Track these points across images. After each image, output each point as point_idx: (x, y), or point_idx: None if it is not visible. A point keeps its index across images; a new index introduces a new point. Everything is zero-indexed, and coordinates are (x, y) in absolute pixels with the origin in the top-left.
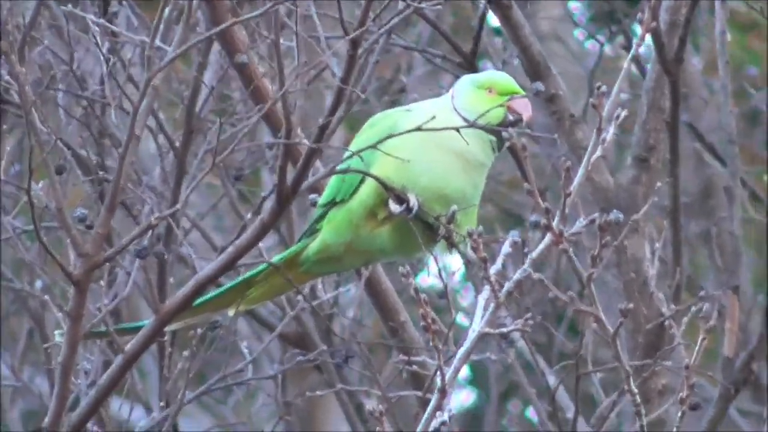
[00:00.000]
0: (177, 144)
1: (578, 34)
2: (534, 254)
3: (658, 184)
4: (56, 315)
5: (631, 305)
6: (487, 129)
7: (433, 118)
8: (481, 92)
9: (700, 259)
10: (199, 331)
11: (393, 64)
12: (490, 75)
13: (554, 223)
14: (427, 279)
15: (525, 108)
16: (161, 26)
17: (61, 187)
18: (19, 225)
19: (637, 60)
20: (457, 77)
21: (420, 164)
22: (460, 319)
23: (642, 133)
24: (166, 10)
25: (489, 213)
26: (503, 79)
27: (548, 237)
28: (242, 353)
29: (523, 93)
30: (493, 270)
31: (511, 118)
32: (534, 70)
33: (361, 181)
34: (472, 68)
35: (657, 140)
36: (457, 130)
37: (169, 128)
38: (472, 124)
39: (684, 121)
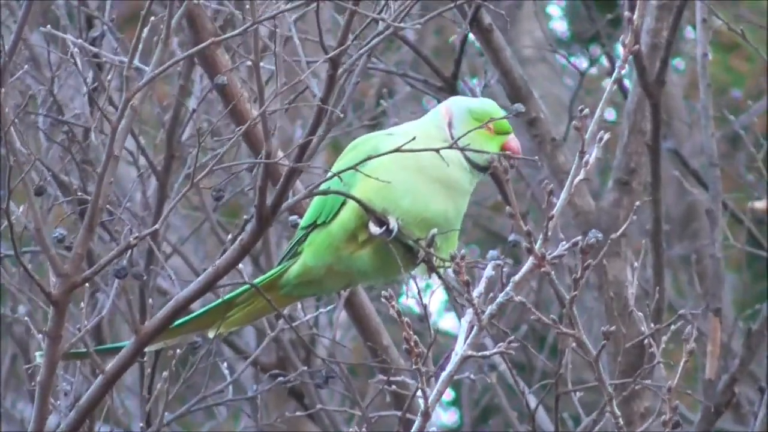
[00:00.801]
0: (158, 168)
1: (560, 56)
2: (517, 278)
3: (638, 203)
4: (39, 339)
5: (612, 328)
6: (471, 152)
7: (413, 139)
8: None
9: (682, 283)
10: (179, 351)
11: (374, 89)
12: (488, 108)
13: (536, 247)
14: (407, 301)
15: (518, 149)
16: (140, 47)
17: (41, 209)
18: (1, 250)
19: (618, 81)
20: (438, 101)
21: (401, 186)
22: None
23: (623, 156)
24: (145, 31)
25: (474, 236)
26: (499, 115)
27: (530, 260)
28: (223, 374)
29: (510, 129)
30: (475, 293)
31: (504, 162)
32: (515, 93)
33: (342, 204)
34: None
35: (638, 163)
36: (437, 151)
37: (151, 153)
38: (451, 146)
39: (667, 146)
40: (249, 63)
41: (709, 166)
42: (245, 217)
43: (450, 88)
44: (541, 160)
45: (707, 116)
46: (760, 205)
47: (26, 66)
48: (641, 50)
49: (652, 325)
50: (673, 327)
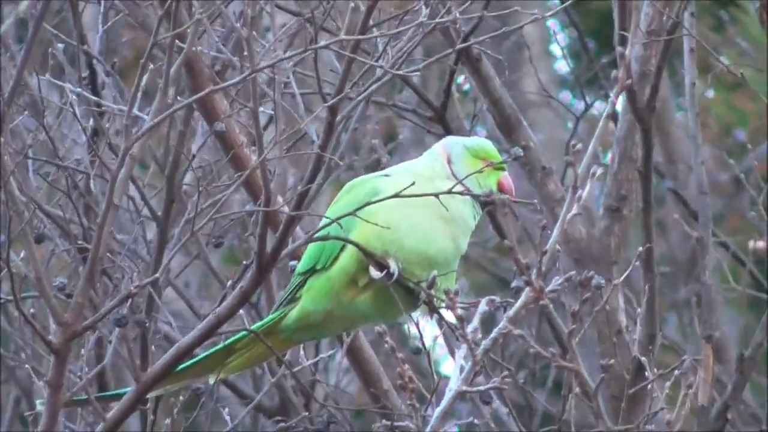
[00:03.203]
0: (158, 214)
1: (559, 101)
2: (511, 312)
3: (640, 247)
4: (41, 386)
5: (612, 361)
6: (472, 195)
7: (413, 184)
8: (478, 163)
9: (686, 327)
10: (181, 398)
11: (376, 131)
12: (483, 145)
13: (533, 278)
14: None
15: (511, 187)
16: (139, 95)
17: (42, 257)
18: (2, 296)
19: (614, 118)
20: (439, 137)
21: (405, 224)
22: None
23: (614, 184)
24: (144, 79)
25: (478, 278)
26: (495, 153)
27: (526, 293)
28: (224, 420)
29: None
30: (470, 329)
31: (500, 196)
32: (505, 122)
33: (341, 249)
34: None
35: (629, 190)
36: (436, 196)
37: (149, 191)
38: (449, 191)
39: (668, 186)
40: (247, 109)
41: (699, 195)
42: (245, 262)
43: (439, 118)
44: (531, 187)
45: (697, 145)
46: (761, 245)
47: (26, 112)
48: (631, 77)
49: (656, 370)
50: (677, 372)
